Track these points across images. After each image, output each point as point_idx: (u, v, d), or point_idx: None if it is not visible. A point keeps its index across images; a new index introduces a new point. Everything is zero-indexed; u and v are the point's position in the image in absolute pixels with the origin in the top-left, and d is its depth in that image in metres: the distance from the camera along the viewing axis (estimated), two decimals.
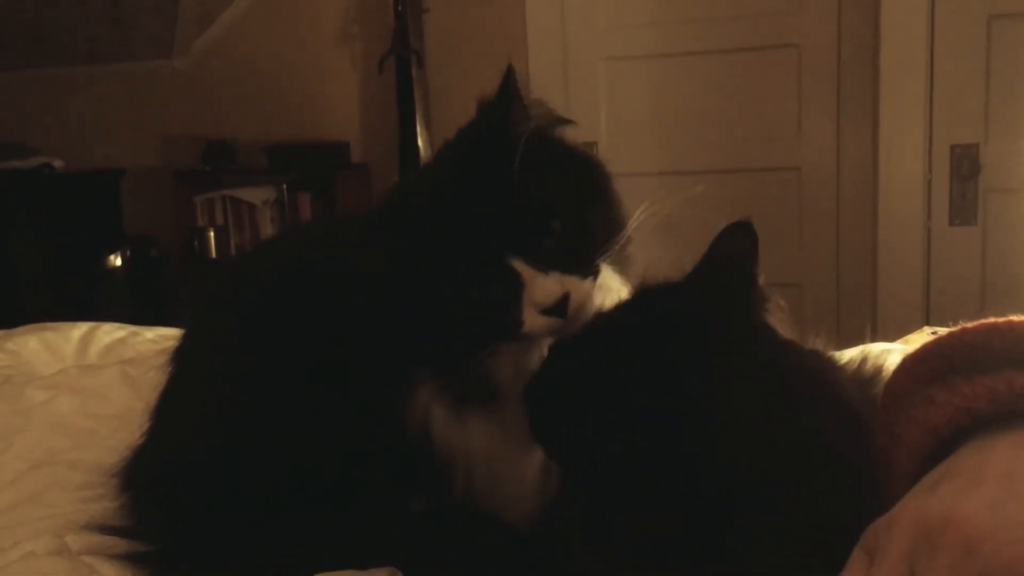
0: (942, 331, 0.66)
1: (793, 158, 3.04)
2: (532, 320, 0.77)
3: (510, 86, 0.86)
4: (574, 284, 0.77)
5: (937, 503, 0.52)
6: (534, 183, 0.78)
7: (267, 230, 3.43)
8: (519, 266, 0.76)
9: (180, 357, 1.03)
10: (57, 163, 3.44)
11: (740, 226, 0.73)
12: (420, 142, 3.15)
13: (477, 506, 0.85)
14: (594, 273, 0.80)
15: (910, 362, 0.65)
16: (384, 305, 0.83)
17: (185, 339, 1.06)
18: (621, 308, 0.77)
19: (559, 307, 0.76)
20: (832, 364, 0.73)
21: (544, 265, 0.76)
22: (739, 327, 0.70)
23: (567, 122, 0.90)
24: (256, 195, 3.42)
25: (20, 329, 1.75)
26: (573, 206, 0.80)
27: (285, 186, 3.42)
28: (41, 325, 1.79)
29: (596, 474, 0.70)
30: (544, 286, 0.76)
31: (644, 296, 0.77)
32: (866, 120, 2.86)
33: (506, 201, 0.77)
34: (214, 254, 3.42)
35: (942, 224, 2.70)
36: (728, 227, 0.74)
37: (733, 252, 0.73)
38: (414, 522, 0.85)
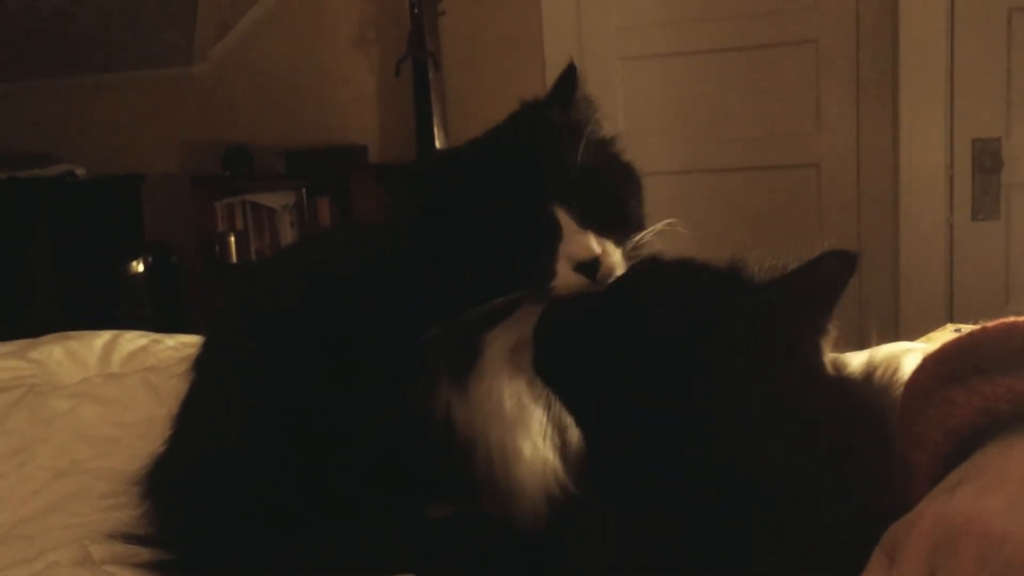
0: (965, 328, 0.65)
1: (812, 154, 3.02)
2: (565, 274, 0.77)
3: (574, 78, 0.92)
4: (609, 248, 0.78)
5: (957, 505, 0.51)
6: (588, 153, 0.82)
7: (287, 234, 3.45)
8: (561, 216, 0.77)
9: (201, 365, 1.04)
10: (79, 170, 3.47)
11: (843, 256, 0.69)
12: (438, 144, 3.15)
13: (496, 499, 0.85)
14: (625, 247, 0.80)
15: (930, 362, 0.65)
16: (411, 271, 0.84)
17: (205, 347, 1.07)
18: (680, 274, 0.75)
19: (591, 266, 0.77)
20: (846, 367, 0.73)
21: (585, 223, 0.78)
22: (789, 344, 0.68)
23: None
24: (275, 200, 3.44)
25: (44, 338, 1.77)
26: (618, 184, 0.85)
27: (304, 190, 3.44)
28: (65, 334, 1.80)
29: (597, 423, 0.71)
30: (581, 241, 0.77)
31: (720, 277, 0.74)
32: (886, 115, 2.84)
33: (562, 155, 0.81)
34: (234, 259, 3.44)
35: (964, 219, 2.67)
36: (832, 252, 0.70)
37: (824, 276, 0.70)
38: (430, 529, 0.86)
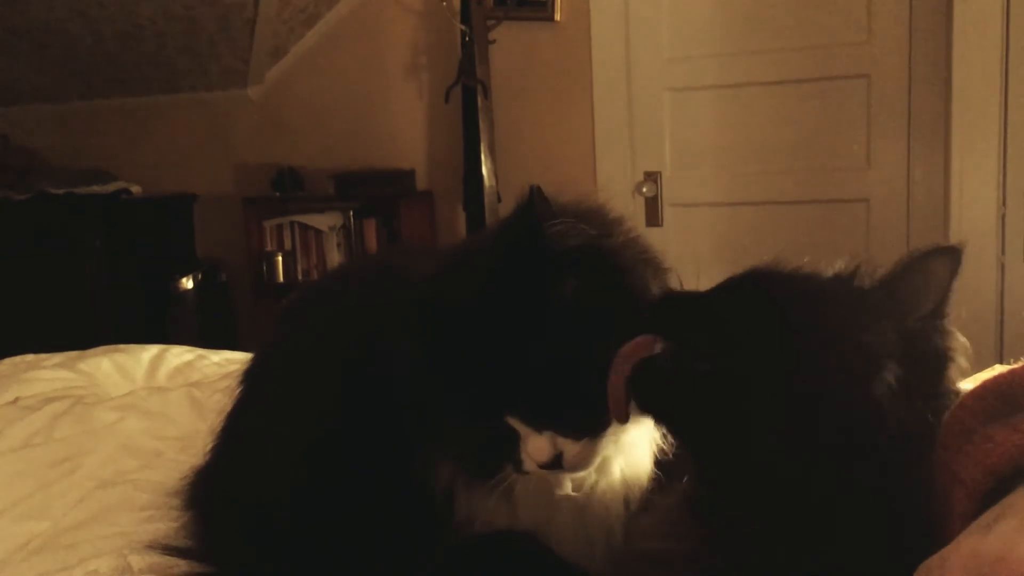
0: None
1: (862, 190, 2.99)
2: (531, 466, 0.78)
3: (534, 210, 0.77)
4: (567, 445, 0.77)
5: (992, 542, 0.50)
6: (552, 331, 0.75)
7: (333, 256, 3.49)
8: (515, 423, 0.77)
9: (249, 378, 1.05)
10: (135, 188, 3.55)
11: (947, 251, 0.68)
12: (484, 170, 3.18)
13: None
14: (595, 434, 0.78)
15: (969, 400, 0.64)
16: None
17: (256, 361, 1.08)
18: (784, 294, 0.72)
19: (553, 464, 0.77)
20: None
21: (540, 423, 0.76)
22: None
23: (607, 247, 0.80)
24: (323, 221, 3.49)
25: (94, 351, 1.81)
26: (589, 362, 0.75)
27: (352, 213, 3.48)
28: (113, 347, 1.84)
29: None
30: (535, 444, 0.76)
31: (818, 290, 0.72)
32: (937, 151, 2.80)
33: (517, 353, 0.75)
34: (281, 279, 3.49)
35: (1016, 259, 2.62)
36: (935, 249, 0.68)
37: (930, 275, 0.68)
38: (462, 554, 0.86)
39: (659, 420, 0.75)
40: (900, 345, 0.65)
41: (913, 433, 0.64)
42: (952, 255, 0.68)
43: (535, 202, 0.76)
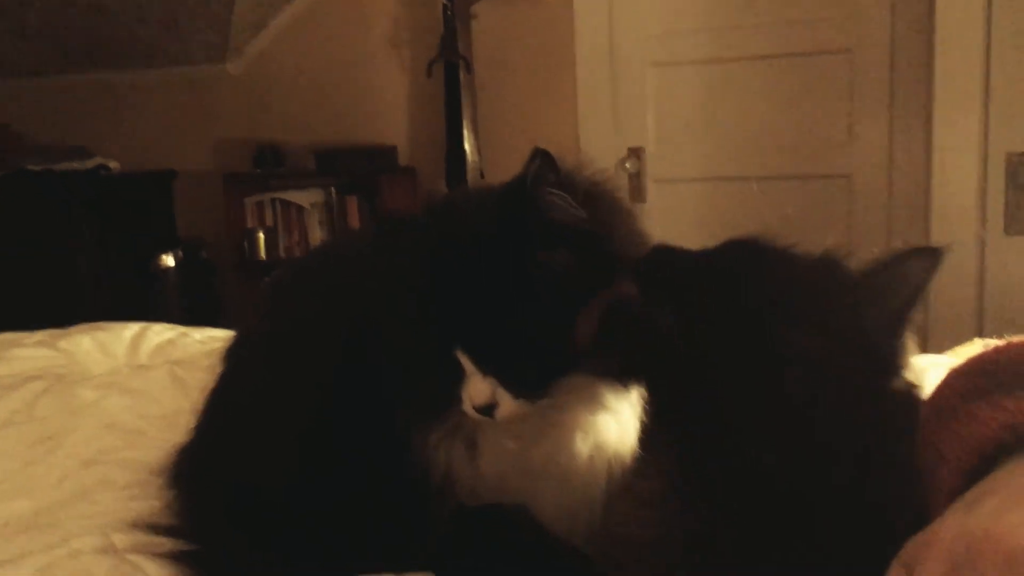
0: (993, 343, 0.65)
1: (844, 165, 3.00)
2: (467, 407, 0.80)
3: (539, 172, 0.79)
4: (504, 399, 0.78)
5: (978, 519, 0.51)
6: (529, 290, 0.77)
7: (315, 232, 3.48)
8: (464, 360, 0.78)
9: (232, 356, 1.05)
10: (113, 164, 3.51)
11: (927, 252, 0.69)
12: (467, 146, 3.16)
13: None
14: (533, 398, 0.79)
15: (953, 377, 0.64)
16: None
17: (238, 339, 1.08)
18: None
19: (486, 410, 0.79)
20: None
21: (487, 367, 0.78)
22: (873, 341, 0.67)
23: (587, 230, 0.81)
24: (305, 198, 3.47)
25: (74, 328, 1.79)
26: (553, 330, 0.78)
27: (333, 189, 3.47)
28: (94, 325, 1.83)
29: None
30: (476, 385, 0.78)
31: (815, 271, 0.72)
32: (919, 127, 2.81)
33: (482, 295, 0.78)
34: (263, 256, 3.47)
35: (997, 233, 2.64)
36: (915, 249, 0.69)
37: (908, 274, 0.69)
38: (453, 527, 0.86)
39: (616, 356, 0.78)
40: (857, 339, 0.65)
41: (874, 418, 0.64)
42: (932, 256, 0.68)
43: (541, 165, 0.78)
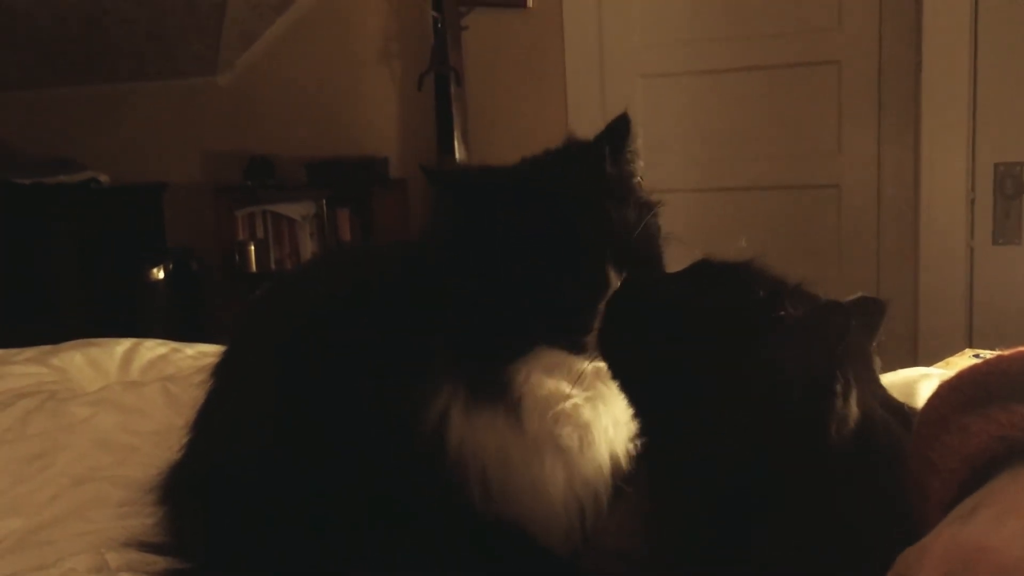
0: (984, 353, 0.65)
1: (833, 175, 3.02)
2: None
3: (627, 128, 0.90)
4: None
5: (971, 532, 0.51)
6: (638, 212, 0.84)
7: (306, 245, 3.47)
8: (613, 276, 0.79)
9: (220, 372, 1.05)
10: (103, 178, 3.50)
11: (872, 303, 0.73)
12: (457, 158, 3.17)
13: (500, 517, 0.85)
14: None
15: (945, 389, 0.65)
16: (437, 292, 0.84)
17: (227, 354, 1.07)
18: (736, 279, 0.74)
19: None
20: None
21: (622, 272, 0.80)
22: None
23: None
24: (296, 210, 3.47)
25: (66, 345, 1.78)
26: (659, 248, 0.87)
27: (324, 201, 3.46)
28: (86, 341, 1.82)
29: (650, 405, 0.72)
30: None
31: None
32: (908, 137, 2.83)
33: (621, 214, 0.82)
34: (254, 268, 3.46)
35: (985, 243, 2.65)
36: (861, 299, 0.72)
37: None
38: (449, 539, 0.86)
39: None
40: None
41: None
42: (878, 306, 0.73)
43: (627, 122, 0.89)
